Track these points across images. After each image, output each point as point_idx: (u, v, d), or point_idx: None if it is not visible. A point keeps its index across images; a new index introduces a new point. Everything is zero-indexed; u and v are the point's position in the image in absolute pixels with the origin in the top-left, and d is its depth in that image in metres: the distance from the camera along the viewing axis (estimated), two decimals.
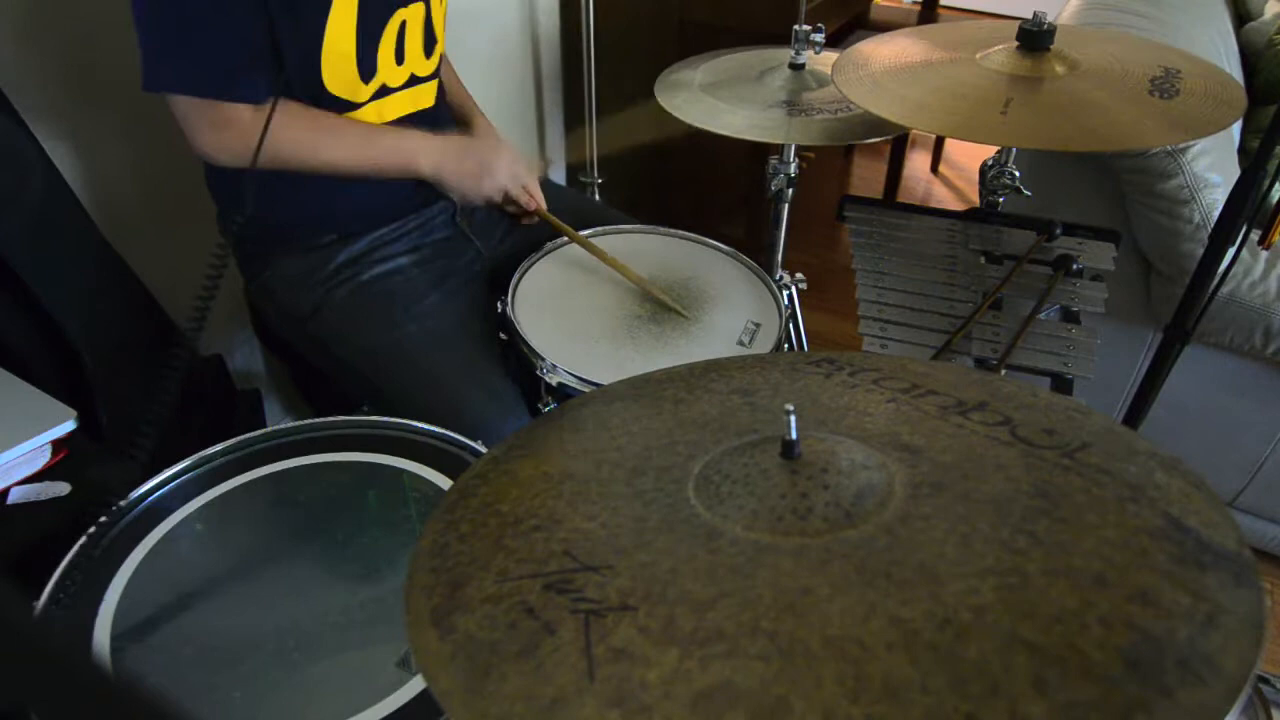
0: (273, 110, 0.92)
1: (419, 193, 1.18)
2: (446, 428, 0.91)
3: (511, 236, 1.30)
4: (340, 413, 0.93)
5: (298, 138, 1.02)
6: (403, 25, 1.09)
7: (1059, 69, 1.04)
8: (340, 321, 1.14)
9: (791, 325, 1.42)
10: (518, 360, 1.10)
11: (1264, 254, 1.37)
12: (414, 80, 1.15)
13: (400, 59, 1.11)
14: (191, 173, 1.14)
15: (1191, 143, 1.28)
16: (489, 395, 1.08)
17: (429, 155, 1.12)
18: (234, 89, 0.97)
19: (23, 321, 1.09)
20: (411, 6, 1.09)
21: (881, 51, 1.16)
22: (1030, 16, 1.07)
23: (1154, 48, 1.12)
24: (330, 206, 1.14)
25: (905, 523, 0.46)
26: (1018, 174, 1.33)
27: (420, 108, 1.18)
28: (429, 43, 1.15)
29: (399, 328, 1.11)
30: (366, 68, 1.07)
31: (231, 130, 0.98)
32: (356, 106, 1.09)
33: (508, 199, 1.21)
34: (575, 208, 1.32)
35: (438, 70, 1.19)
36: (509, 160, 1.18)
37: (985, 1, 3.35)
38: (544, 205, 1.24)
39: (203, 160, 1.04)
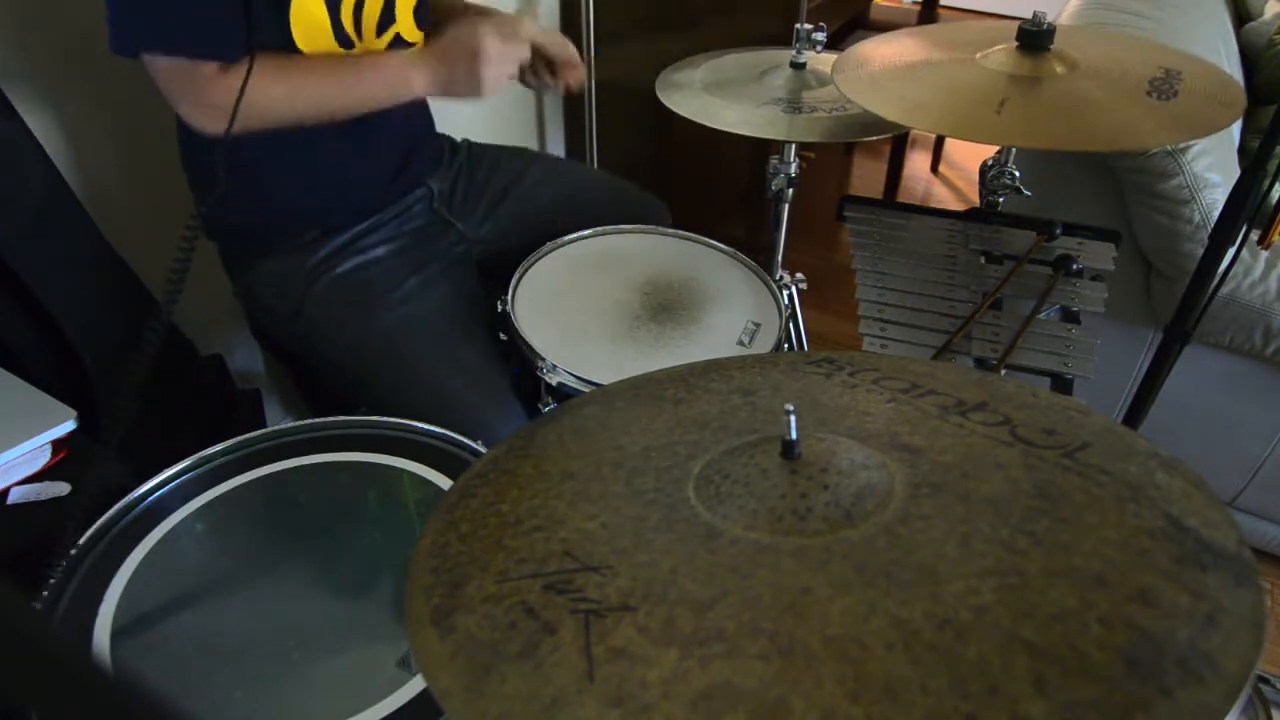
0: (251, 64, 0.86)
1: (397, 183, 1.18)
2: (429, 418, 0.90)
3: (494, 216, 1.30)
4: (340, 413, 0.93)
5: (276, 91, 0.96)
6: None
7: (1058, 69, 1.04)
8: (321, 317, 1.13)
9: (791, 325, 1.42)
10: (518, 360, 1.10)
11: (1264, 254, 1.37)
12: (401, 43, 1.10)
13: (381, 29, 1.06)
14: None
15: (1191, 143, 1.28)
16: (470, 380, 1.07)
17: (420, 71, 1.03)
18: (208, 44, 0.91)
19: (23, 321, 1.09)
20: None
21: (881, 51, 1.16)
22: (1030, 16, 1.07)
23: (1154, 48, 1.12)
24: (310, 203, 1.13)
25: (905, 523, 0.46)
26: (1018, 174, 1.33)
27: None
28: (385, 17, 1.08)
29: (377, 318, 1.11)
30: (341, 35, 1.03)
31: (211, 88, 0.92)
32: None
33: (532, 62, 1.09)
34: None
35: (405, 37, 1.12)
36: (494, 29, 1.02)
37: (985, 1, 3.35)
38: (571, 51, 1.13)
39: (182, 136, 0.99)
